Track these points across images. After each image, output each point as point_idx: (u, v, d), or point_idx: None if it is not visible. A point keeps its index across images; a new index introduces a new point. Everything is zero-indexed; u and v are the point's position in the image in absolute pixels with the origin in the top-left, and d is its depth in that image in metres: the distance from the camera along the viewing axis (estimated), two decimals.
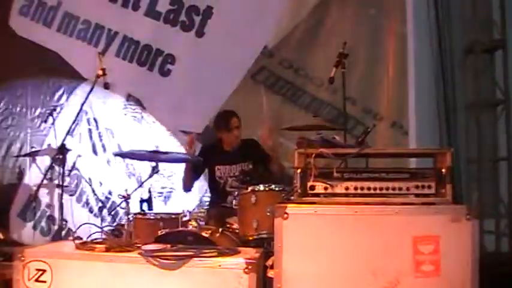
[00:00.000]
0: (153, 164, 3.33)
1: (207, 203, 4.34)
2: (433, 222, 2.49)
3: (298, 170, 2.58)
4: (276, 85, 4.89)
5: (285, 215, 2.49)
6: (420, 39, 4.54)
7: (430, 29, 4.51)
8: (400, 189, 2.60)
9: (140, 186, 3.44)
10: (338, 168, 2.62)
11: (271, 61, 4.89)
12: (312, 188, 2.60)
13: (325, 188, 2.60)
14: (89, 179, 5.04)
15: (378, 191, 2.60)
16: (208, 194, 4.40)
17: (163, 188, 4.90)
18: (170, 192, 4.91)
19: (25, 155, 5.05)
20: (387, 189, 2.60)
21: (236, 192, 3.44)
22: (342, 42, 3.78)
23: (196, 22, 4.94)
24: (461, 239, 2.45)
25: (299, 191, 2.58)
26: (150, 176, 3.45)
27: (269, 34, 4.89)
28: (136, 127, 5.03)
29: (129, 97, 5.04)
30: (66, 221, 4.81)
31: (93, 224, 2.96)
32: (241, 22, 4.86)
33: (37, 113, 5.27)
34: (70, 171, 4.89)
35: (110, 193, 4.99)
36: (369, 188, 2.60)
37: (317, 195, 2.60)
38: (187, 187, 4.18)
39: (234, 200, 3.44)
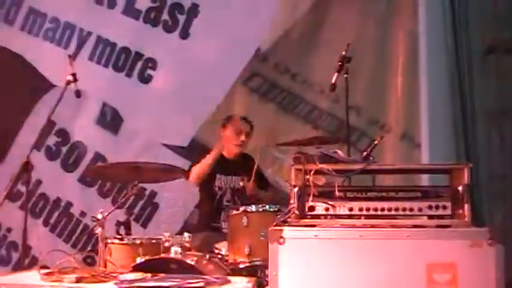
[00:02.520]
0: (132, 181, 3.34)
1: (193, 226, 4.34)
2: (450, 247, 2.50)
3: (296, 189, 2.59)
4: (270, 92, 4.91)
5: (281, 240, 2.49)
6: (434, 38, 4.55)
7: (445, 27, 4.52)
8: (411, 210, 2.62)
9: (117, 207, 3.45)
10: (340, 187, 2.63)
11: (264, 65, 4.91)
12: (312, 208, 2.61)
13: (326, 209, 2.62)
14: (58, 198, 5.01)
15: (386, 212, 2.62)
16: (196, 215, 4.40)
17: (143, 209, 4.89)
18: (151, 214, 4.89)
19: None
20: (397, 210, 2.62)
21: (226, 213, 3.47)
22: (345, 43, 3.81)
23: (180, 22, 4.96)
24: (483, 267, 2.46)
25: (297, 212, 2.59)
26: (129, 196, 3.46)
27: (262, 35, 4.92)
28: (112, 140, 5.01)
29: (104, 106, 5.03)
30: (31, 248, 4.80)
31: (62, 251, 2.95)
32: (230, 22, 4.88)
33: None
34: (35, 190, 4.87)
35: (81, 215, 4.95)
36: (375, 209, 2.62)
37: (317, 216, 2.62)
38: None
39: (223, 223, 3.46)
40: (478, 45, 4.51)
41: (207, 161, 4.08)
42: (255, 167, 3.99)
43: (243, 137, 4.17)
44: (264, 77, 4.92)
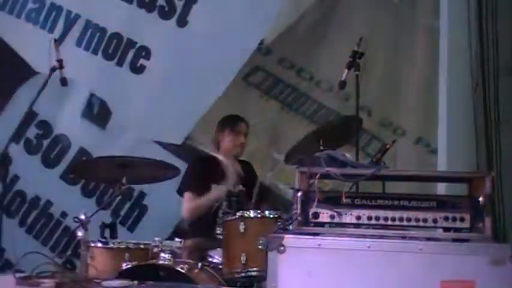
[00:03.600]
0: (120, 179, 3.35)
1: (185, 232, 4.33)
2: (467, 263, 2.49)
3: (299, 193, 2.58)
4: (273, 89, 4.93)
5: (281, 248, 2.49)
6: (456, 34, 4.56)
7: (469, 22, 4.50)
8: (425, 220, 2.61)
9: (102, 208, 3.46)
10: (348, 193, 2.63)
11: (268, 60, 4.93)
12: (316, 215, 2.61)
13: (332, 216, 2.61)
14: (36, 197, 5.02)
15: (397, 222, 2.61)
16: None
17: (131, 211, 4.90)
18: (140, 216, 4.91)
19: None
20: (409, 220, 2.61)
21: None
22: (356, 37, 3.82)
23: (177, 8, 4.96)
24: (503, 286, 2.45)
25: (299, 218, 2.59)
26: (115, 196, 3.46)
27: (266, 26, 4.93)
28: (99, 135, 5.02)
29: (92, 97, 5.04)
30: (4, 250, 4.80)
31: (40, 253, 2.95)
32: (232, 10, 4.91)
33: None
34: (12, 186, 4.87)
35: (62, 215, 4.95)
36: (385, 218, 2.61)
37: (321, 224, 2.61)
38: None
39: (217, 229, 3.46)
40: (507, 43, 4.45)
41: (205, 201, 3.98)
42: (257, 184, 3.96)
43: (242, 139, 4.16)
44: (267, 72, 4.95)
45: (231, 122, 4.20)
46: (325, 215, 2.61)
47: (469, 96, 4.51)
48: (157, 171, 3.83)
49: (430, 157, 4.64)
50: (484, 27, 4.48)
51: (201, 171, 4.13)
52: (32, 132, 5.06)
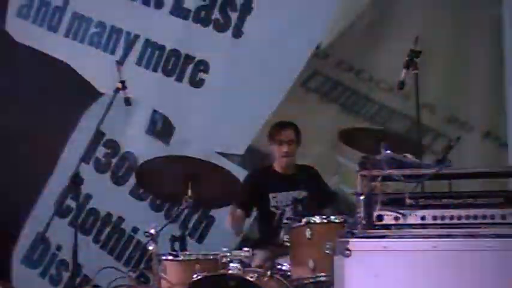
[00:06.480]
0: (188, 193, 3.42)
1: (253, 242, 4.41)
2: None
3: (362, 197, 2.63)
4: (332, 92, 4.95)
5: (347, 252, 2.55)
6: None
7: None
8: (492, 217, 2.61)
9: (171, 221, 3.56)
10: (411, 193, 2.65)
11: (325, 63, 4.95)
12: (380, 218, 2.65)
13: (396, 218, 2.65)
14: (108, 214, 5.21)
15: (463, 221, 2.62)
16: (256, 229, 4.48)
17: (199, 223, 5.01)
18: (207, 228, 5.02)
19: None
20: (475, 217, 2.62)
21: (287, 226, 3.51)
22: (415, 35, 3.81)
23: (232, 20, 5.06)
24: None
25: (363, 222, 2.63)
26: (184, 209, 3.56)
27: (322, 30, 4.96)
28: (164, 150, 5.09)
29: (155, 114, 5.19)
30: (81, 266, 5.00)
31: (115, 268, 3.05)
32: (286, 17, 4.95)
33: None
34: (85, 205, 5.09)
35: (134, 231, 5.13)
36: (451, 217, 2.63)
37: (386, 226, 2.65)
38: (239, 231, 4.28)
39: (285, 236, 3.51)
40: None
41: (231, 215, 4.18)
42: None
43: (285, 148, 4.15)
44: (325, 76, 4.96)
45: (273, 132, 4.23)
46: (389, 217, 2.65)
47: None
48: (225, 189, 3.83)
49: (501, 152, 4.55)
50: None
51: (249, 187, 4.19)
52: (100, 151, 5.24)
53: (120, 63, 4.04)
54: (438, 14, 4.74)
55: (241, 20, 5.04)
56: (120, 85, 3.88)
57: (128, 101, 3.92)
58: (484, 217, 2.61)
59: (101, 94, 5.14)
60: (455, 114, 4.68)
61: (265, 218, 4.23)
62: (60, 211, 4.65)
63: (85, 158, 4.45)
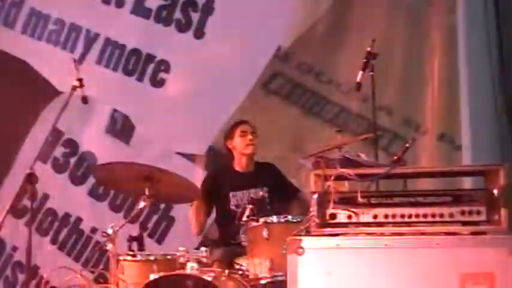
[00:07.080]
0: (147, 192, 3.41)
1: (213, 242, 4.41)
2: (486, 256, 2.55)
3: (315, 195, 2.67)
4: (293, 94, 4.99)
5: (300, 250, 2.58)
6: (474, 29, 4.58)
7: (487, 16, 4.54)
8: (441, 216, 2.68)
9: (128, 221, 3.55)
10: (363, 192, 2.71)
11: (286, 65, 4.99)
12: (333, 216, 2.69)
13: (349, 217, 2.69)
14: (66, 214, 5.14)
15: (413, 219, 2.68)
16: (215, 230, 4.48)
17: (159, 223, 5.00)
18: (167, 228, 5.01)
19: None
20: (425, 216, 2.68)
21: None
22: (373, 38, 3.89)
23: (194, 20, 5.07)
24: None
25: (317, 220, 2.67)
26: (142, 208, 3.55)
27: (283, 32, 4.99)
28: (124, 150, 5.12)
29: (115, 113, 5.16)
30: (38, 268, 4.93)
31: (71, 269, 3.02)
32: (248, 18, 4.98)
33: None
34: (42, 205, 5.03)
35: (92, 231, 5.08)
36: (402, 216, 2.68)
37: (339, 225, 2.69)
38: (200, 231, 4.28)
39: (242, 236, 3.53)
40: None
41: (192, 215, 4.19)
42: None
43: (250, 135, 4.23)
44: (286, 78, 5.00)
45: (231, 129, 4.30)
46: (342, 216, 2.70)
47: (489, 93, 4.52)
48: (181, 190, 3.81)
49: (455, 153, 4.63)
50: (502, 19, 4.51)
51: (208, 186, 4.22)
52: (59, 151, 5.18)
53: (78, 61, 3.97)
54: (396, 17, 4.83)
55: (203, 20, 5.06)
56: (77, 83, 3.83)
57: (85, 100, 3.86)
58: (434, 215, 2.67)
59: (60, 93, 5.03)
60: (410, 116, 4.77)
61: (225, 217, 4.23)
62: (16, 211, 4.57)
63: (43, 157, 4.40)
